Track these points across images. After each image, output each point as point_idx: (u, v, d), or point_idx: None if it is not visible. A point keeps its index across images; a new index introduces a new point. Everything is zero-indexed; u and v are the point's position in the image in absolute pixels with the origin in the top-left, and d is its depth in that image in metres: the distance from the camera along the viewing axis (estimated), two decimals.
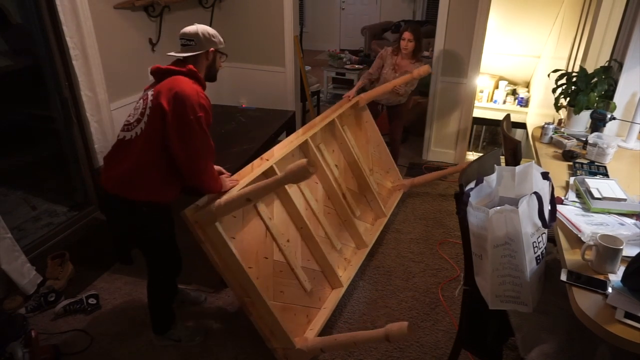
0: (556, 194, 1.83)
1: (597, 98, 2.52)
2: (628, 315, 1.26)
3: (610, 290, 1.35)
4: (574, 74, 2.66)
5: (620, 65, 2.55)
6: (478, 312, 1.70)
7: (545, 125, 2.53)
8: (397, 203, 3.49)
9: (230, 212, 2.02)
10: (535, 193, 1.47)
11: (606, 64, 2.73)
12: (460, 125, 4.21)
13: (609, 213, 1.77)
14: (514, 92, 4.92)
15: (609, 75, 2.59)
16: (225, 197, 1.95)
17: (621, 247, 1.41)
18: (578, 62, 3.15)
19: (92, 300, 2.51)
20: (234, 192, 1.99)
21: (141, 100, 1.90)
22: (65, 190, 3.41)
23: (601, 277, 1.41)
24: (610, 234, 1.47)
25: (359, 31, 7.93)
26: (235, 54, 4.41)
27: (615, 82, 2.56)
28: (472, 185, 1.55)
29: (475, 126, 4.75)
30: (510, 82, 5.00)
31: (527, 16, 4.36)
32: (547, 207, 1.55)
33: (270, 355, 2.12)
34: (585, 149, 2.37)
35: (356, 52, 7.26)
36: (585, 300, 1.33)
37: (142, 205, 1.91)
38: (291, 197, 2.41)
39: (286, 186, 2.39)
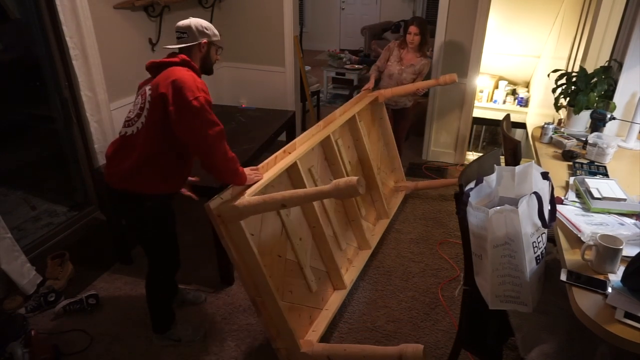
0: (556, 194, 1.83)
1: (597, 98, 2.52)
2: (628, 315, 1.26)
3: (610, 290, 1.35)
4: (573, 74, 2.66)
5: (620, 65, 2.55)
6: (478, 312, 1.70)
7: (545, 125, 2.53)
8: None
9: (260, 213, 1.94)
10: (535, 193, 1.47)
11: (606, 64, 2.73)
12: (460, 125, 4.21)
13: (609, 213, 1.77)
14: (513, 92, 4.92)
15: (609, 75, 2.59)
16: (257, 199, 1.86)
17: (621, 247, 1.41)
18: (578, 62, 3.15)
19: (92, 300, 2.51)
20: (266, 196, 1.85)
21: (139, 96, 1.92)
22: (65, 190, 3.41)
23: (601, 277, 1.41)
24: (610, 234, 1.47)
25: (359, 31, 7.94)
26: (235, 54, 4.41)
27: (615, 82, 2.56)
28: (472, 185, 1.55)
29: (475, 126, 4.75)
30: (510, 82, 5.00)
31: (527, 16, 4.36)
32: (547, 207, 1.55)
33: (271, 355, 2.12)
34: (585, 149, 2.36)
35: (356, 52, 7.27)
36: (585, 300, 1.32)
37: (147, 198, 1.93)
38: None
39: (305, 181, 2.35)
